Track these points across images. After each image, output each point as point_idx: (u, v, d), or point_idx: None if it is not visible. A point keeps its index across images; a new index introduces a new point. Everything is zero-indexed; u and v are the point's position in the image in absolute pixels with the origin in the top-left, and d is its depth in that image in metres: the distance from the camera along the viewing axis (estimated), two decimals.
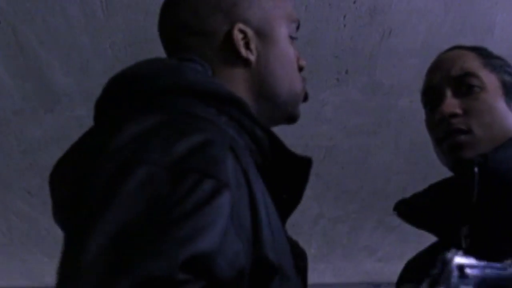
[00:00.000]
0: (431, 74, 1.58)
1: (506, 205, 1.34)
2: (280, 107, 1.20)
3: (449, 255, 0.99)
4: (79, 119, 3.88)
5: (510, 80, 1.50)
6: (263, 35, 1.17)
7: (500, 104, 1.46)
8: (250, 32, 1.15)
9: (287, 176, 1.09)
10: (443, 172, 4.71)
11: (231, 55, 1.14)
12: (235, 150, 0.91)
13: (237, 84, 1.13)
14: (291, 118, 1.24)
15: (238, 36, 1.13)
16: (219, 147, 0.86)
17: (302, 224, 5.85)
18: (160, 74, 1.01)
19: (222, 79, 1.10)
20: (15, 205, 5.30)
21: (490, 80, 1.47)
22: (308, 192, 4.32)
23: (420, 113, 4.28)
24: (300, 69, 1.24)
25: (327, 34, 3.30)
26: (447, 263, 0.98)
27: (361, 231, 6.33)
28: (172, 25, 1.23)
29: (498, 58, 1.55)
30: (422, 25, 3.27)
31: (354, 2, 3.09)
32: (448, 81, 1.48)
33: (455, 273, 0.96)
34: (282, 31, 1.20)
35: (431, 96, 1.55)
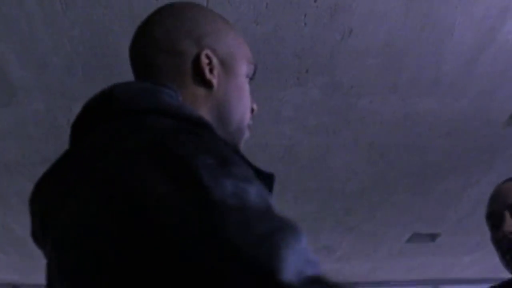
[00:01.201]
0: (492, 202, 2.05)
1: None
2: (229, 135, 1.27)
3: None
4: (36, 113, 3.82)
5: None
6: (226, 66, 1.28)
7: None
8: (215, 60, 1.26)
9: None
10: (402, 174, 4.72)
11: (196, 76, 1.24)
12: None
13: (199, 103, 1.22)
14: (237, 131, 1.32)
15: (204, 60, 1.24)
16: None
17: None
18: (139, 96, 1.07)
19: (186, 98, 1.20)
20: None
21: None
22: None
23: (380, 113, 4.32)
24: (252, 111, 1.34)
25: (288, 33, 3.29)
26: None
27: (320, 231, 6.35)
28: (145, 41, 1.29)
29: None
30: (382, 25, 3.28)
31: (315, 1, 3.08)
32: (507, 207, 1.97)
33: None
34: (242, 68, 1.31)
35: (494, 220, 2.01)
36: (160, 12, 1.31)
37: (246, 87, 1.32)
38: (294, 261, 0.75)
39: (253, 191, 0.83)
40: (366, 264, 7.57)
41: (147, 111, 1.03)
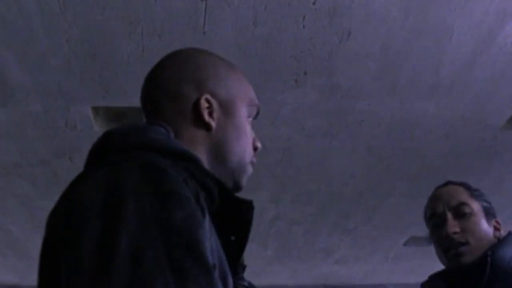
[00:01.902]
0: (434, 204, 2.25)
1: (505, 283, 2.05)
2: (228, 172, 1.36)
3: None
4: (34, 114, 3.81)
5: (486, 204, 2.24)
6: (226, 109, 1.36)
7: (483, 222, 2.18)
8: (215, 104, 1.34)
9: (235, 219, 1.23)
10: (400, 177, 4.71)
11: (196, 119, 1.32)
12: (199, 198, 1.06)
13: (197, 144, 1.31)
14: (235, 184, 1.39)
15: (204, 104, 1.32)
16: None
17: (258, 226, 5.85)
18: (130, 133, 1.19)
19: (185, 139, 1.30)
20: None
21: (476, 206, 2.20)
22: (265, 194, 4.32)
23: (378, 116, 4.32)
24: (255, 149, 1.42)
25: (286, 35, 3.29)
26: None
27: (318, 234, 6.35)
28: (151, 85, 1.39)
29: (477, 189, 2.29)
30: (381, 28, 3.28)
31: (314, 3, 3.08)
32: (449, 209, 2.18)
33: None
34: (243, 110, 1.39)
35: (436, 220, 2.21)
36: (168, 57, 1.41)
37: (246, 127, 1.39)
38: None
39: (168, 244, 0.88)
40: (363, 267, 7.58)
41: (135, 146, 1.15)
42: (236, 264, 1.22)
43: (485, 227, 2.18)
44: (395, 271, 7.73)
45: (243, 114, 1.39)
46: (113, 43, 3.25)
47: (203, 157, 1.29)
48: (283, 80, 3.67)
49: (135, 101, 3.50)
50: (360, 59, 3.52)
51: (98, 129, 3.99)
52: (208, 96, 1.33)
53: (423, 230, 6.76)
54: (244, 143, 1.38)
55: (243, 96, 1.41)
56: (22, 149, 4.32)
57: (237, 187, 1.39)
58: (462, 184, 2.32)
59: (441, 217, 2.20)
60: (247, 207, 1.23)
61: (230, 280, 1.11)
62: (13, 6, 3.02)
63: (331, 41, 3.36)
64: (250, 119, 1.42)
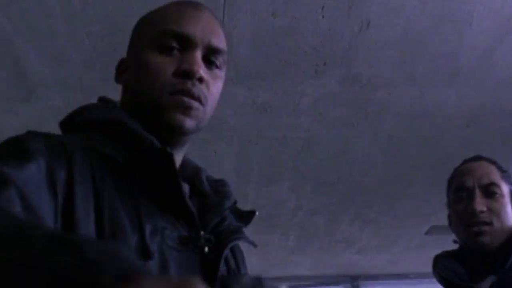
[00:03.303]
0: (464, 177, 2.21)
1: None
2: (150, 117, 1.27)
3: None
4: (55, 108, 3.84)
5: None
6: (130, 61, 1.37)
7: (509, 206, 2.15)
8: (125, 63, 1.39)
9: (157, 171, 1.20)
10: (421, 166, 4.70)
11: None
12: (65, 145, 1.14)
13: (125, 105, 1.34)
14: (166, 124, 1.26)
15: (120, 68, 1.40)
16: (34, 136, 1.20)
17: (280, 216, 5.86)
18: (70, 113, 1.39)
19: (122, 105, 1.35)
20: None
21: (505, 189, 2.17)
22: (286, 184, 4.33)
23: (398, 105, 4.30)
24: (183, 74, 1.26)
25: (306, 25, 3.29)
26: None
27: (339, 224, 6.35)
28: None
29: (506, 171, 2.25)
30: (400, 17, 3.27)
31: None
32: (479, 186, 2.14)
33: None
34: (144, 50, 1.31)
35: (463, 193, 2.18)
36: None
37: (150, 63, 1.28)
38: None
39: None
40: (385, 257, 7.56)
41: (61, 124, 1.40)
42: (184, 214, 1.20)
43: (510, 212, 2.16)
44: (417, 260, 7.70)
45: (146, 53, 1.29)
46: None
47: (132, 114, 1.27)
48: (303, 70, 3.67)
49: None
50: (379, 48, 3.51)
51: None
52: (123, 59, 1.40)
53: (444, 219, 6.73)
54: (150, 79, 1.27)
55: (144, 36, 1.34)
56: None
57: (170, 126, 1.25)
58: (494, 163, 2.27)
59: (469, 192, 2.16)
60: (159, 154, 1.17)
61: (130, 236, 1.08)
62: (34, 2, 3.04)
63: (351, 30, 3.36)
64: (166, 49, 1.29)
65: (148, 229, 1.10)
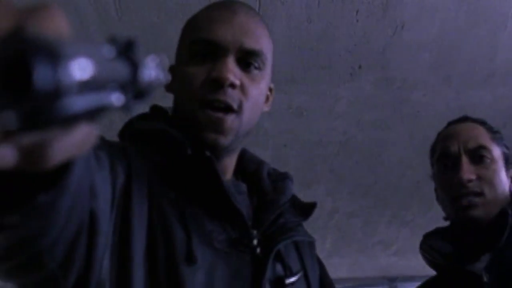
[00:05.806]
0: (448, 142, 1.92)
1: None
2: (190, 128, 1.26)
3: None
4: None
5: (506, 151, 1.88)
6: (173, 71, 1.35)
7: (502, 172, 1.83)
8: (171, 71, 1.36)
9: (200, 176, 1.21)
10: None
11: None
12: (125, 150, 1.16)
13: (174, 110, 1.36)
14: (201, 138, 1.25)
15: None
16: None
17: (317, 219, 5.87)
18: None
19: (173, 109, 1.37)
20: None
21: (496, 152, 1.84)
22: (322, 187, 4.36)
23: (433, 106, 4.29)
24: (213, 81, 1.23)
25: (340, 30, 3.31)
26: None
27: (376, 226, 6.34)
28: None
29: (498, 132, 1.92)
30: (434, 19, 3.27)
31: None
32: (465, 151, 1.82)
33: None
34: (182, 59, 1.33)
35: (448, 160, 1.89)
36: None
37: (186, 73, 1.28)
38: None
39: None
40: (422, 258, 7.51)
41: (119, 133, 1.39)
42: (227, 214, 1.19)
43: (504, 178, 1.82)
44: None
45: (181, 62, 1.32)
46: (169, 45, 3.31)
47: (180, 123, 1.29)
48: (338, 74, 3.69)
49: None
50: (414, 50, 3.52)
51: None
52: (170, 67, 1.39)
53: None
54: (182, 90, 1.29)
55: (181, 45, 1.36)
56: None
57: (205, 144, 1.23)
58: (482, 123, 1.93)
59: (454, 159, 1.85)
60: (202, 160, 1.18)
61: (180, 236, 1.10)
62: (71, 12, 3.10)
63: (385, 33, 3.37)
64: (199, 58, 1.28)
65: (194, 233, 1.11)
